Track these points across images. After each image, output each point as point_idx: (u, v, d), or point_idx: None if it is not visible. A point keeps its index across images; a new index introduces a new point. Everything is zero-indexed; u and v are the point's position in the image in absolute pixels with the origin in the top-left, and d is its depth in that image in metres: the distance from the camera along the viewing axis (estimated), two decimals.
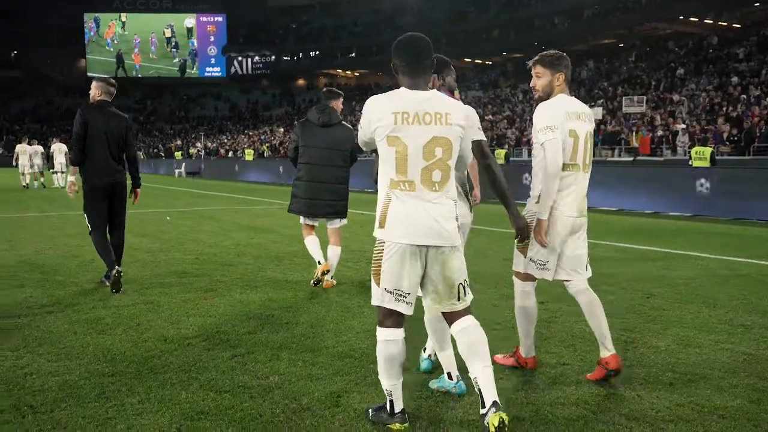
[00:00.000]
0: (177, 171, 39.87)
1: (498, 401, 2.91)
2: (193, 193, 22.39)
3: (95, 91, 6.38)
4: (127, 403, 3.37)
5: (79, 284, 6.40)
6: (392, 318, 3.09)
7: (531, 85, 3.93)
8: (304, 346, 4.39)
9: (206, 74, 76.72)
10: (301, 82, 75.09)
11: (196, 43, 75.55)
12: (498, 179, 3.53)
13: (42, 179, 24.78)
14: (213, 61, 76.14)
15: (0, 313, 5.18)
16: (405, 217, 2.98)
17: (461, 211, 3.47)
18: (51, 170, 25.13)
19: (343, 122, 6.42)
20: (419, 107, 2.98)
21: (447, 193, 3.05)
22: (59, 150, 24.26)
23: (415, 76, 3.06)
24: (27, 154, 23.98)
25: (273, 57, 74.74)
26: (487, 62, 56.23)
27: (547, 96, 3.82)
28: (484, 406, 2.92)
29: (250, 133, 58.09)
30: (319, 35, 70.73)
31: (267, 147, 46.65)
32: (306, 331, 4.77)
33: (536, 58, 3.89)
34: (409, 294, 3.04)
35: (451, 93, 3.80)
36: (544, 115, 3.73)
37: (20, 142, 25.19)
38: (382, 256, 3.04)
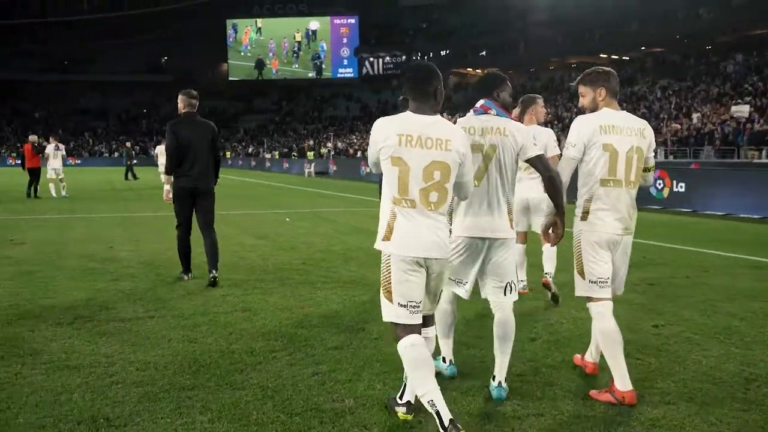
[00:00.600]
0: (307, 171, 41.04)
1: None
2: (318, 194, 22.89)
3: (180, 104, 6.94)
4: (198, 421, 3.35)
5: (187, 287, 6.59)
6: (408, 329, 3.23)
7: (579, 105, 4.02)
8: (388, 365, 4.21)
9: (339, 75, 78.47)
10: None
11: (326, 46, 77.44)
12: (556, 192, 3.74)
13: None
14: (345, 62, 77.73)
15: (109, 315, 5.41)
16: (409, 232, 3.18)
17: (501, 225, 3.76)
18: None
19: None
20: (422, 131, 3.18)
21: (443, 211, 3.27)
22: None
23: (421, 101, 3.26)
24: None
25: (404, 57, 75.16)
26: (624, 57, 53.64)
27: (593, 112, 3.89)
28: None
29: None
30: (449, 34, 70.44)
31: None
32: (394, 348, 4.59)
33: (578, 79, 4.00)
34: (420, 303, 3.25)
35: (505, 108, 3.87)
36: (571, 131, 3.84)
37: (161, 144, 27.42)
38: (390, 271, 3.22)
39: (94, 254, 8.56)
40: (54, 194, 19.58)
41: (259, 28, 78.37)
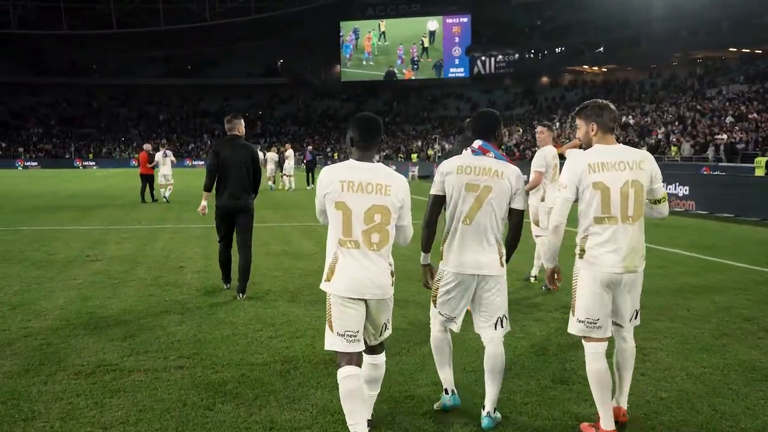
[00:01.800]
0: (411, 173, 40.46)
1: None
2: (419, 201, 22.15)
3: (226, 125, 7.48)
4: None
5: (234, 326, 6.08)
6: (345, 357, 3.50)
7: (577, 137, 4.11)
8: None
9: (450, 75, 77.52)
10: (544, 80, 72.79)
11: (439, 46, 76.66)
12: (512, 243, 4.00)
13: (269, 183, 27.63)
14: (457, 61, 76.70)
15: (136, 362, 4.97)
16: (350, 274, 3.45)
17: (491, 263, 3.88)
18: (283, 173, 27.82)
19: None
20: (363, 177, 3.48)
21: (385, 252, 3.51)
22: (291, 155, 27.68)
23: (365, 150, 3.59)
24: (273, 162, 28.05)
25: (516, 55, 73.46)
26: (756, 51, 49.45)
27: (588, 146, 3.88)
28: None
29: None
30: (564, 31, 68.00)
31: (503, 149, 45.54)
32: (399, 379, 3.87)
33: (576, 110, 4.01)
34: (358, 333, 3.51)
35: (499, 147, 3.99)
36: (563, 172, 3.82)
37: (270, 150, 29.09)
38: (331, 307, 3.51)
39: (159, 277, 8.30)
40: (163, 195, 20.85)
41: (383, 33, 78.11)
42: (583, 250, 3.77)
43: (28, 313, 6.41)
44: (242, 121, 7.54)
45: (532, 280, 8.18)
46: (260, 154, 21.11)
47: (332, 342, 3.50)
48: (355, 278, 3.43)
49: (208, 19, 70.56)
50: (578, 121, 3.93)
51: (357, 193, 3.44)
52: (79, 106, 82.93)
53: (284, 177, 27.49)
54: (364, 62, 79.25)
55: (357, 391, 3.43)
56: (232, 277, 7.52)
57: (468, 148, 4.00)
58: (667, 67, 56.23)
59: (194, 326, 6.01)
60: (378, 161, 3.74)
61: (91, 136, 76.39)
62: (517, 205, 3.90)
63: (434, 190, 3.98)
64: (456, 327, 3.98)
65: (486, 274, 3.84)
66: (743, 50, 49.85)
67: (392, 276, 3.59)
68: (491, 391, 3.91)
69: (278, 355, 5.19)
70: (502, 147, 4.17)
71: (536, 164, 7.76)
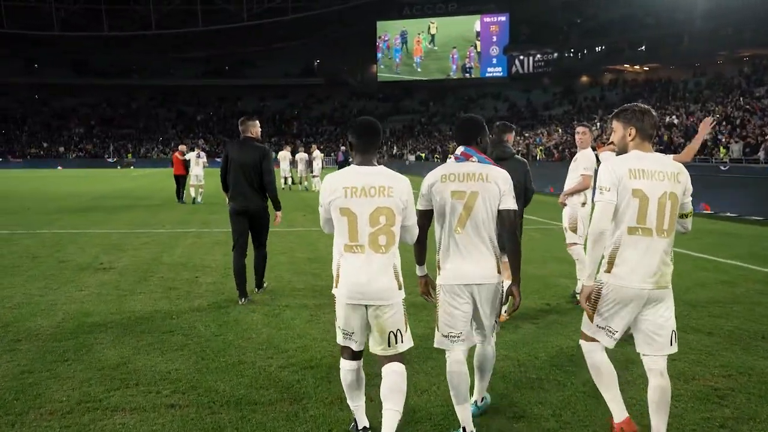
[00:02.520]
0: None
1: None
2: None
3: (240, 127, 7.26)
4: None
5: (243, 359, 5.41)
6: (344, 351, 3.70)
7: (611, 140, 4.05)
8: None
9: (487, 75, 76.32)
10: (584, 79, 71.24)
11: (479, 45, 75.53)
12: (513, 249, 3.78)
13: (305, 183, 27.97)
14: (494, 61, 75.49)
15: (119, 400, 4.31)
16: (354, 279, 3.49)
17: (487, 271, 3.73)
18: (312, 174, 28.22)
19: (516, 156, 6.23)
20: (366, 181, 3.52)
21: (391, 254, 3.54)
22: (318, 155, 28.18)
23: (365, 154, 3.62)
24: (287, 160, 27.90)
25: (555, 54, 72.06)
26: None
27: (622, 152, 3.68)
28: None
29: (526, 135, 56.00)
30: (605, 29, 66.43)
31: (541, 150, 44.44)
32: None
33: (614, 112, 3.78)
34: (354, 333, 3.60)
35: (483, 152, 3.86)
36: (600, 175, 3.58)
37: (283, 149, 28.99)
38: (336, 307, 3.63)
39: (171, 289, 7.67)
40: (194, 196, 20.64)
41: (433, 36, 76.73)
42: (611, 263, 3.53)
43: (19, 332, 5.83)
44: (257, 123, 7.38)
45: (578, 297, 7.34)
46: (193, 155, 21.20)
47: (338, 336, 3.67)
48: (356, 283, 3.48)
49: (246, 19, 70.50)
50: (615, 124, 3.71)
51: (361, 198, 3.48)
52: (118, 106, 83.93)
53: (314, 178, 27.64)
54: (416, 67, 77.93)
55: (353, 383, 3.70)
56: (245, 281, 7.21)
57: (451, 155, 3.91)
58: (712, 66, 54.35)
59: (197, 351, 5.34)
60: (381, 164, 3.66)
61: (129, 137, 77.16)
62: (506, 205, 3.72)
63: (420, 206, 3.83)
64: (462, 348, 3.76)
65: (482, 283, 3.71)
66: None
67: (398, 279, 3.56)
68: (480, 386, 4.11)
69: (287, 392, 4.49)
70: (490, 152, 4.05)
71: (584, 166, 7.27)
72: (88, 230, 13.30)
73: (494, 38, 75.02)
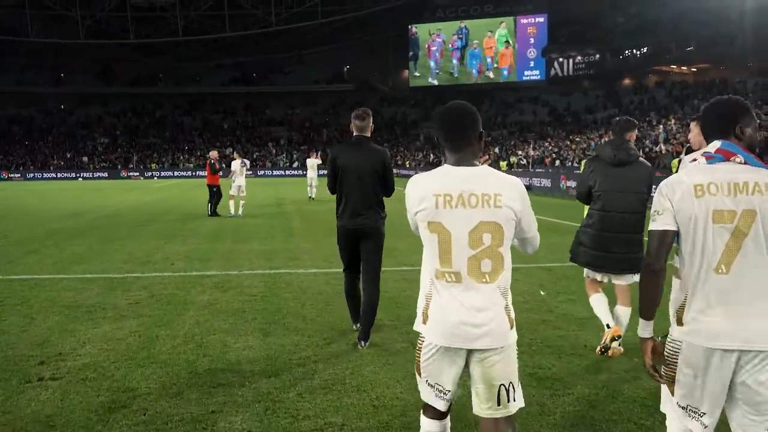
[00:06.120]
0: None
1: None
2: None
3: (355, 123, 6.00)
4: None
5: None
6: (431, 411, 2.89)
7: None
8: None
9: (524, 78, 72.89)
10: (627, 81, 67.70)
11: (511, 47, 72.15)
12: None
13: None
14: (532, 63, 72.09)
15: None
16: (445, 315, 2.72)
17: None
18: None
19: (641, 159, 5.51)
20: (464, 187, 2.71)
21: (500, 284, 2.72)
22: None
23: (458, 151, 2.79)
24: (315, 168, 27.55)
25: (597, 56, 68.69)
26: None
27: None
28: None
29: (577, 138, 52.47)
30: (651, 28, 62.82)
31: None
32: None
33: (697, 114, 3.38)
34: (449, 391, 2.81)
35: (752, 150, 2.69)
36: (656, 194, 2.77)
37: (309, 157, 28.88)
38: (421, 351, 2.83)
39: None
40: (233, 212, 18.98)
41: (466, 37, 72.72)
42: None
43: None
44: (370, 117, 6.04)
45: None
46: (237, 163, 18.84)
47: (421, 390, 2.86)
48: (453, 322, 2.68)
49: (274, 24, 68.00)
50: (692, 124, 3.39)
51: (457, 209, 2.68)
52: (144, 115, 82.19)
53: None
54: (453, 71, 74.68)
55: None
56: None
57: (700, 154, 2.71)
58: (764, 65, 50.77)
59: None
60: (484, 163, 2.76)
61: (155, 146, 75.17)
62: None
63: (660, 224, 2.70)
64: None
65: (763, 350, 2.57)
66: None
67: (509, 315, 2.72)
68: None
69: None
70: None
71: None
72: (61, 275, 9.71)
73: (531, 40, 71.67)
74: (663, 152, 33.20)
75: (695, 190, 2.61)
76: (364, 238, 5.91)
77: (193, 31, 70.49)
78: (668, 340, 2.77)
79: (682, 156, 6.13)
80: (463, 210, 2.66)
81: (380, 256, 6.05)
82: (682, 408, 2.71)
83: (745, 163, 2.64)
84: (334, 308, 7.41)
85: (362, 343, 5.91)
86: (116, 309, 7.52)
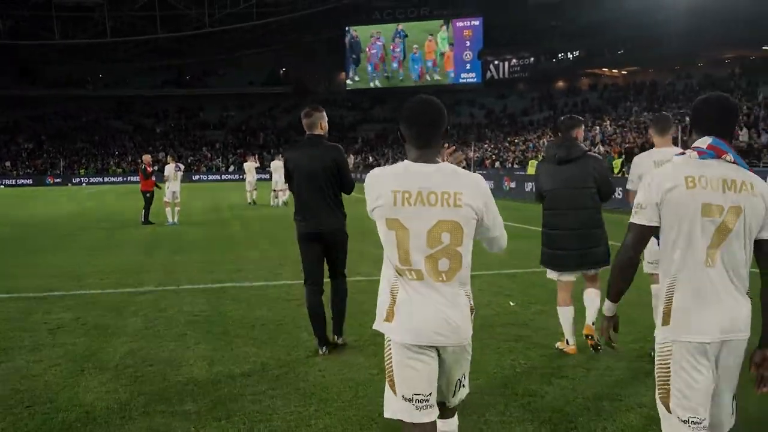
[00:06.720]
0: None
1: None
2: None
3: (304, 121, 5.75)
4: None
5: None
6: (416, 429, 2.61)
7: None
8: None
9: (461, 80, 73.23)
10: (561, 84, 68.91)
11: (447, 49, 72.35)
12: None
13: (285, 198, 24.03)
14: (468, 66, 72.52)
15: None
16: (413, 313, 2.59)
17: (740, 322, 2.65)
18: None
19: (590, 152, 5.53)
20: (423, 184, 2.60)
21: (458, 282, 2.63)
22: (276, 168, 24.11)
23: (422, 147, 2.69)
24: (253, 172, 26.01)
25: (531, 59, 69.77)
26: None
27: None
28: None
29: (516, 140, 52.74)
30: (583, 32, 64.19)
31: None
32: None
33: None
34: (430, 396, 2.63)
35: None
36: (642, 187, 2.75)
37: (246, 160, 27.38)
38: (392, 357, 2.64)
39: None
40: (170, 220, 18.22)
41: (405, 39, 72.40)
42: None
43: None
44: (324, 114, 5.75)
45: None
46: (171, 167, 18.00)
47: (396, 409, 2.61)
48: (424, 318, 2.56)
49: (208, 25, 66.09)
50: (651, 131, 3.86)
51: (416, 207, 2.56)
52: (71, 119, 78.85)
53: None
54: (391, 75, 74.18)
55: None
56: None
57: (689, 148, 2.70)
58: (690, 67, 52.61)
59: None
60: (444, 160, 2.73)
61: (83, 151, 72.13)
62: None
63: (642, 219, 2.66)
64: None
65: (735, 339, 2.63)
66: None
67: (472, 313, 2.68)
68: None
69: None
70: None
71: None
72: None
73: (468, 43, 72.20)
74: (601, 153, 33.52)
75: (686, 181, 2.62)
76: (325, 241, 5.65)
77: (123, 32, 67.93)
78: (657, 349, 2.72)
79: (640, 154, 5.95)
80: (421, 208, 2.57)
81: (344, 256, 5.84)
82: (684, 422, 2.62)
83: (734, 162, 2.68)
84: (289, 328, 6.63)
85: (338, 338, 5.78)
86: (33, 337, 6.47)
